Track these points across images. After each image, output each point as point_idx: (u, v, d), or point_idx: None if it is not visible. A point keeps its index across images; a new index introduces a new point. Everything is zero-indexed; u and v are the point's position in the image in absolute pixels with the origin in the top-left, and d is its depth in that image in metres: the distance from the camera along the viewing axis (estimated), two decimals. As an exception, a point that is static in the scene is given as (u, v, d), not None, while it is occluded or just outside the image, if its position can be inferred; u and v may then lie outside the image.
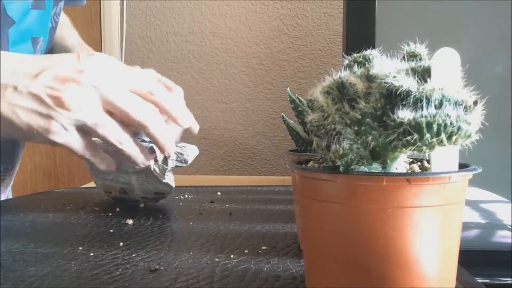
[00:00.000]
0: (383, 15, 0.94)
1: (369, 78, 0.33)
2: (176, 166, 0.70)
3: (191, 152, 0.72)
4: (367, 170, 0.31)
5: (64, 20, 0.97)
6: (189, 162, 0.71)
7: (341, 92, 0.33)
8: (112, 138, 0.54)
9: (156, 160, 0.68)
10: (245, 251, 0.52)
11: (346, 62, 0.37)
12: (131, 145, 0.56)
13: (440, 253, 0.31)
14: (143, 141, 0.65)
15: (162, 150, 0.58)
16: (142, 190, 0.73)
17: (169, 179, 0.71)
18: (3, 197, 0.91)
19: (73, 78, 0.51)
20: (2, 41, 0.75)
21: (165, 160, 0.68)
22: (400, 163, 0.33)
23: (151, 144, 0.64)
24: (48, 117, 0.51)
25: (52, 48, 0.91)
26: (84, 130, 0.54)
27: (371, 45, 0.38)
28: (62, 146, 0.53)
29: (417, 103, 0.29)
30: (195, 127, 0.65)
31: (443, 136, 0.29)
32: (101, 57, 0.55)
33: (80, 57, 0.54)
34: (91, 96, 0.52)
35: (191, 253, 0.52)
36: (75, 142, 0.53)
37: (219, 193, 0.90)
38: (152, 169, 0.68)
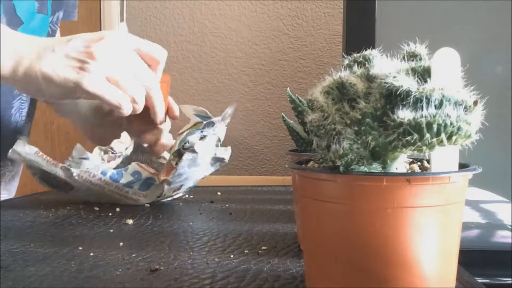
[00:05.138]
0: (383, 15, 0.94)
1: (369, 78, 0.33)
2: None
3: (225, 153, 0.78)
4: (367, 170, 0.31)
5: None
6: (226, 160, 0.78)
7: (341, 92, 0.33)
8: (132, 91, 0.62)
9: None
10: (245, 251, 0.52)
11: (346, 62, 0.37)
12: (142, 101, 0.65)
13: (440, 253, 0.31)
14: None
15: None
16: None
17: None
18: (3, 197, 0.91)
19: (100, 37, 0.62)
20: None
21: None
22: (400, 163, 0.33)
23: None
24: (81, 69, 0.60)
25: None
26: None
27: (371, 45, 0.38)
28: (99, 99, 0.61)
29: (417, 103, 0.29)
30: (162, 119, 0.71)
31: (443, 136, 0.29)
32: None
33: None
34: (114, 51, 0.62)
35: (191, 253, 0.52)
36: (108, 92, 0.61)
37: (219, 193, 0.90)
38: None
